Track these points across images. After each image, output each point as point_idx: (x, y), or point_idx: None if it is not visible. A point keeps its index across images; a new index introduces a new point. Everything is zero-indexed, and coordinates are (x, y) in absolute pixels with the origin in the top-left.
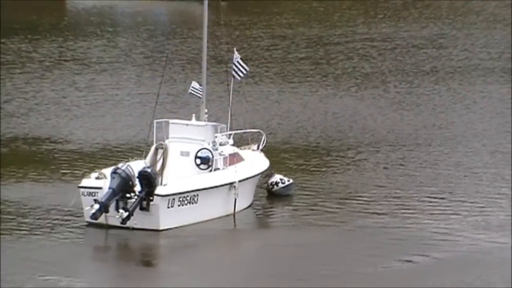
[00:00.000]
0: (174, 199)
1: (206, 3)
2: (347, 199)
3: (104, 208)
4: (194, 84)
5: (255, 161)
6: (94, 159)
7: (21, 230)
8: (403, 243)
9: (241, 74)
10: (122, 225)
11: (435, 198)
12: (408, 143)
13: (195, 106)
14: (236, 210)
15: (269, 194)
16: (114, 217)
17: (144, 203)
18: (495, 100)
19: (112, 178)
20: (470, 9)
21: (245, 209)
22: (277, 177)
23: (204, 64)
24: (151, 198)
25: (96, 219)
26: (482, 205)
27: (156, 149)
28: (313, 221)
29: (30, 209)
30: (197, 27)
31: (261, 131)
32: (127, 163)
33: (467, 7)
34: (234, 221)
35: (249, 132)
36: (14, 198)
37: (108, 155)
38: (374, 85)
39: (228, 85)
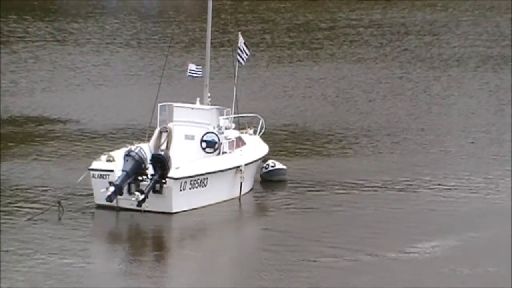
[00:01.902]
0: (186, 182)
1: None
2: (344, 183)
3: (118, 190)
4: (191, 66)
5: (257, 145)
6: (95, 141)
7: (32, 211)
8: (401, 231)
9: (244, 59)
10: (133, 208)
11: (433, 183)
12: (405, 128)
13: (192, 88)
14: (241, 194)
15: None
16: (125, 199)
17: (157, 186)
18: (492, 86)
19: (126, 160)
20: None
21: (247, 192)
22: (267, 162)
23: (208, 49)
24: (164, 181)
25: (111, 201)
26: (480, 191)
27: (160, 132)
28: (316, 206)
29: (40, 190)
30: (186, 12)
31: (258, 116)
32: (139, 146)
33: None
34: (240, 205)
35: (247, 116)
36: (20, 178)
37: (110, 137)
38: (370, 71)
39: (234, 69)
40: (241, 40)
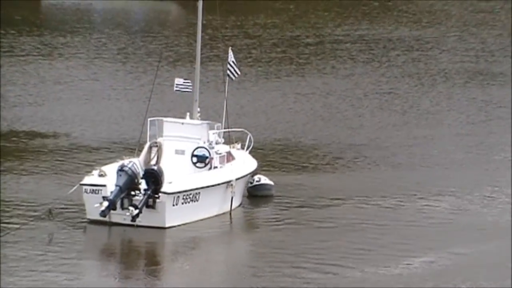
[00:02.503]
0: (179, 196)
1: (201, 3)
2: (333, 199)
3: (112, 205)
4: (178, 80)
5: (246, 160)
6: (84, 155)
7: (25, 227)
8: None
9: (235, 75)
10: (125, 223)
11: (422, 198)
12: (394, 143)
13: (181, 103)
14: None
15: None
16: (117, 214)
17: (150, 200)
18: (479, 101)
19: (119, 175)
20: (447, 13)
21: (237, 207)
22: (253, 177)
23: (198, 64)
24: (157, 195)
25: (105, 216)
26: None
27: (150, 147)
28: (305, 221)
29: (30, 204)
30: (172, 26)
31: (246, 131)
32: (132, 161)
33: (445, 11)
34: (231, 220)
35: (234, 131)
36: (10, 192)
37: (99, 152)
38: (358, 87)
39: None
40: (231, 55)
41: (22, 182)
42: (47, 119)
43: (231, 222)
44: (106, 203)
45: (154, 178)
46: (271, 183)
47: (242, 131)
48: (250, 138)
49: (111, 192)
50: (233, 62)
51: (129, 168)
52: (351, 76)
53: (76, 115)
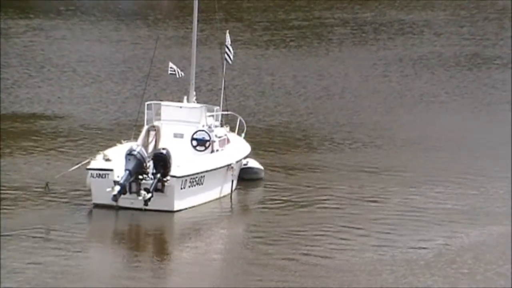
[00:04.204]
0: (186, 180)
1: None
2: (328, 182)
3: (123, 189)
4: (172, 65)
5: (240, 143)
6: (80, 138)
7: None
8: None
9: (232, 58)
10: (132, 207)
11: (416, 182)
12: (392, 126)
13: (175, 86)
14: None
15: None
16: (125, 198)
17: (159, 184)
18: (475, 84)
19: (128, 160)
20: None
21: (234, 190)
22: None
23: (194, 47)
24: (165, 179)
25: (116, 200)
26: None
27: (148, 130)
28: (305, 204)
29: (36, 190)
30: (163, 11)
31: (235, 114)
32: (140, 145)
33: None
34: (232, 202)
35: (224, 114)
36: (16, 179)
37: (95, 135)
38: (354, 70)
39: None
40: (228, 38)
41: (20, 163)
42: (44, 102)
43: (232, 205)
44: (117, 188)
45: (163, 161)
46: (260, 166)
47: (230, 113)
48: (241, 121)
49: (120, 176)
50: (229, 45)
51: (138, 152)
52: (346, 59)
53: (73, 98)
